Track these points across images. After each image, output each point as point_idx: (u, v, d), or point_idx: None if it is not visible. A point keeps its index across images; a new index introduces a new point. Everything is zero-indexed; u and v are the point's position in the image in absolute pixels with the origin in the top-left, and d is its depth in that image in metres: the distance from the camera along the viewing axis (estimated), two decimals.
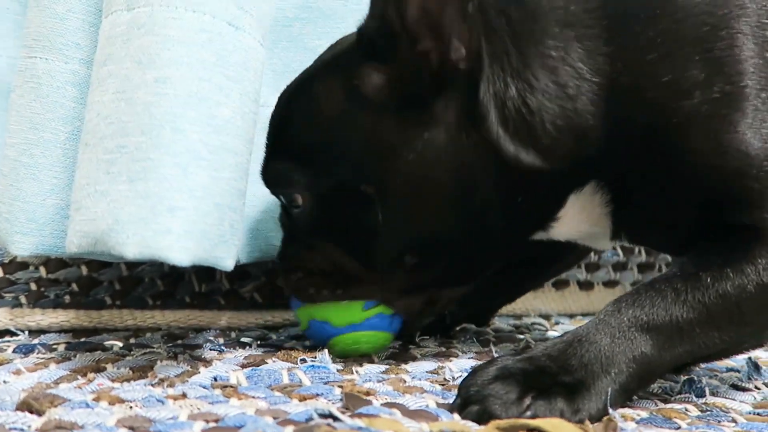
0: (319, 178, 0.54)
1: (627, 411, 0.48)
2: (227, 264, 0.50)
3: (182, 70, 0.45)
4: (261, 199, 0.74)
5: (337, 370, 0.55)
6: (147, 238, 0.43)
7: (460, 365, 0.58)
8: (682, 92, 0.48)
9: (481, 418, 0.42)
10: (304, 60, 0.77)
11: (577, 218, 0.55)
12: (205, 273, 0.79)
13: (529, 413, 0.42)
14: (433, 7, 0.47)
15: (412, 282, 0.57)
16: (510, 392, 0.43)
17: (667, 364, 0.48)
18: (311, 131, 0.55)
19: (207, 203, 0.46)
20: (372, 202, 0.52)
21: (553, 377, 0.45)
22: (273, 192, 0.60)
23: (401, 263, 0.55)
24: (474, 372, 0.46)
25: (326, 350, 0.58)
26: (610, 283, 0.94)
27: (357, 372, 0.55)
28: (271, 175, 0.58)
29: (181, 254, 0.44)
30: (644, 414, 0.48)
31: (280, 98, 0.59)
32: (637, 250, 0.96)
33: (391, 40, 0.49)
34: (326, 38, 0.77)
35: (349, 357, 0.60)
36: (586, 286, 0.94)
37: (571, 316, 0.91)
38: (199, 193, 0.45)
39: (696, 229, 0.51)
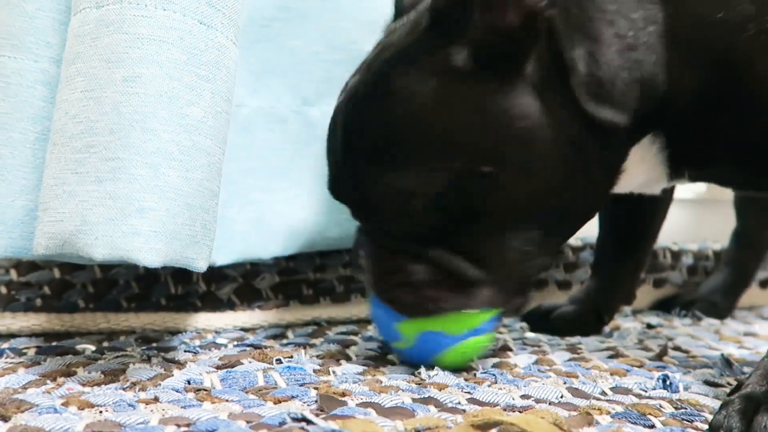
0: (433, 177, 0.50)
1: (603, 405, 0.48)
2: (199, 265, 0.49)
3: (152, 68, 0.44)
4: (238, 199, 0.73)
5: (314, 371, 0.55)
6: (116, 240, 0.43)
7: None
8: (737, 26, 0.50)
9: None
10: (282, 60, 0.77)
11: (638, 169, 0.56)
12: (181, 275, 0.78)
13: None
14: None
15: (524, 268, 0.54)
16: None
17: None
18: (416, 128, 0.50)
19: (178, 204, 0.45)
20: (491, 185, 0.50)
21: None
22: (369, 216, 0.55)
23: (515, 252, 0.52)
24: (723, 406, 0.44)
25: (302, 351, 0.57)
26: None
27: (334, 373, 0.55)
28: (364, 198, 0.54)
29: (150, 255, 0.44)
30: (619, 408, 0.48)
31: (345, 114, 0.54)
32: None
33: (464, 8, 0.49)
34: (304, 38, 0.77)
35: (458, 367, 0.56)
36: (564, 285, 0.94)
37: None
38: (170, 194, 0.45)
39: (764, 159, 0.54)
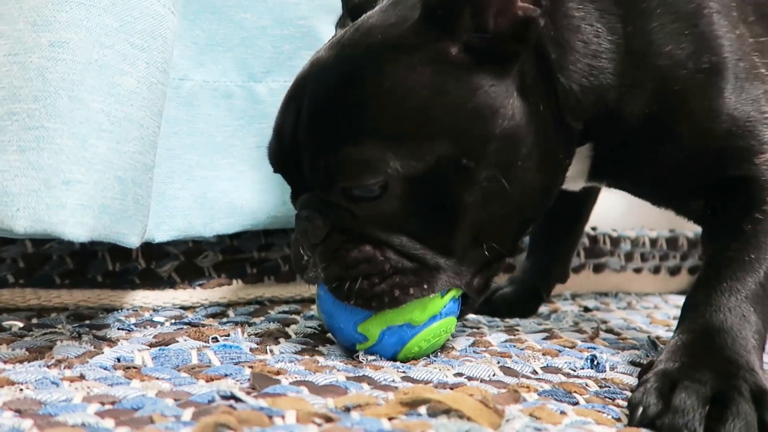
0: (416, 159, 0.49)
1: (532, 383, 0.50)
2: (131, 241, 0.48)
3: (81, 34, 0.42)
4: (180, 175, 0.71)
5: (251, 350, 0.54)
6: (39, 212, 0.41)
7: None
8: (680, 62, 0.54)
9: (676, 430, 0.41)
10: (229, 33, 0.75)
11: (574, 168, 0.60)
12: (119, 251, 0.76)
13: (723, 427, 0.40)
14: None
15: (484, 257, 0.54)
16: (694, 404, 0.42)
17: (766, 326, 0.51)
18: (399, 109, 0.50)
19: (108, 177, 0.44)
20: (468, 176, 0.50)
21: (732, 378, 0.44)
22: (345, 185, 0.51)
23: (479, 238, 0.53)
24: (640, 385, 0.45)
25: (239, 330, 0.57)
26: None
27: (271, 352, 0.55)
28: (345, 165, 0.50)
29: (77, 229, 0.42)
30: (547, 387, 0.49)
31: (316, 87, 0.52)
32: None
33: (455, 8, 0.49)
34: (252, 12, 0.75)
35: (421, 356, 0.55)
36: (509, 268, 0.96)
37: None
38: (98, 166, 0.43)
39: (692, 186, 0.58)
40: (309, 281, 0.54)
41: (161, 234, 0.69)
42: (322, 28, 0.78)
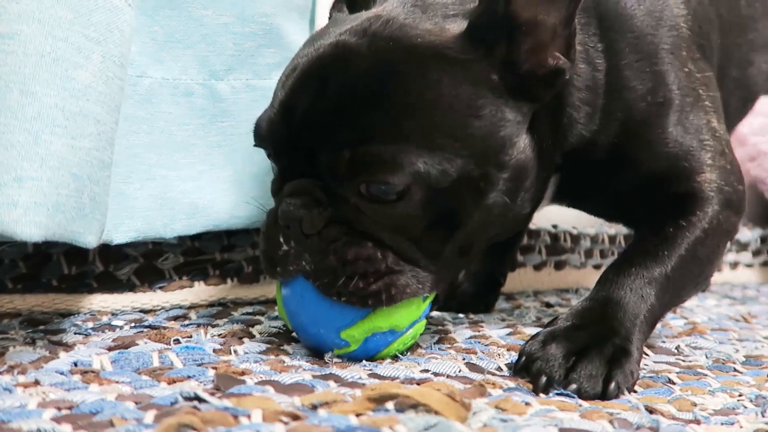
0: (442, 172, 0.50)
1: (497, 379, 0.50)
2: (88, 240, 0.46)
3: (33, 26, 0.41)
4: (139, 175, 0.70)
5: (214, 351, 0.53)
6: None
7: None
8: (642, 95, 0.61)
9: (538, 375, 0.49)
10: (189, 30, 0.73)
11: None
12: (75, 254, 0.73)
13: (574, 375, 0.49)
14: (541, 12, 0.51)
15: (462, 265, 0.58)
16: (560, 354, 0.50)
17: (664, 311, 0.60)
18: (439, 118, 0.50)
19: (62, 174, 0.42)
20: (479, 197, 0.53)
21: (606, 339, 0.52)
22: (368, 180, 0.49)
23: (465, 249, 0.55)
24: (532, 338, 0.54)
25: (202, 331, 0.55)
26: None
27: (235, 352, 0.54)
28: (375, 160, 0.49)
29: (30, 229, 0.41)
30: (512, 384, 0.50)
31: (354, 69, 0.50)
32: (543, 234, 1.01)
33: (495, 37, 0.52)
34: (213, 8, 0.73)
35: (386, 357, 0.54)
36: None
37: None
38: (53, 163, 0.42)
39: (640, 203, 0.64)
40: (280, 275, 0.52)
41: (120, 235, 0.67)
42: (286, 25, 0.77)
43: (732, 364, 0.60)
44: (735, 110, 0.80)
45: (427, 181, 0.49)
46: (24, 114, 0.41)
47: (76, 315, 0.67)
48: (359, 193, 0.50)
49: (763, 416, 0.45)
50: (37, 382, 0.44)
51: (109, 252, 0.74)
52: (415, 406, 0.40)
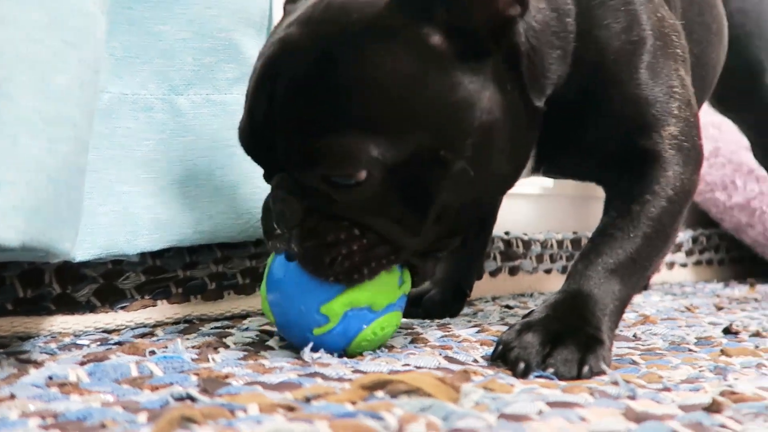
0: (396, 149, 0.49)
1: (478, 368, 0.52)
2: (65, 247, 0.45)
3: (9, 29, 0.40)
4: (100, 191, 0.68)
5: (192, 359, 0.52)
6: None
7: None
8: (615, 34, 0.60)
9: (516, 361, 0.50)
10: (147, 46, 0.73)
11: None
12: (30, 277, 0.70)
13: (551, 360, 0.50)
14: None
15: (447, 236, 0.57)
16: (536, 341, 0.51)
17: (632, 293, 0.60)
18: (383, 98, 0.49)
19: (40, 178, 0.42)
20: (445, 167, 0.51)
21: (579, 328, 0.53)
22: (324, 172, 0.51)
23: (441, 218, 0.54)
24: (509, 328, 0.55)
25: (179, 340, 0.55)
26: None
27: (213, 360, 0.53)
28: (325, 153, 0.49)
29: (8, 233, 0.39)
30: (491, 372, 0.52)
31: (295, 63, 0.50)
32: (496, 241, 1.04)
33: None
34: (172, 24, 0.74)
35: (367, 350, 0.56)
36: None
37: None
38: (31, 167, 0.41)
39: (608, 156, 0.63)
40: (276, 250, 0.55)
41: (82, 252, 0.65)
42: (244, 40, 0.78)
43: (686, 345, 0.64)
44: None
45: (383, 163, 0.49)
46: (2, 117, 0.40)
47: (37, 337, 0.64)
48: (323, 183, 0.51)
49: (725, 380, 0.49)
50: (12, 396, 0.42)
51: (66, 273, 0.72)
52: (407, 391, 0.41)
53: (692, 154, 0.63)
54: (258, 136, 0.54)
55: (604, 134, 0.62)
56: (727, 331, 0.72)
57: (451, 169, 0.52)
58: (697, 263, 1.44)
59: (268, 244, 0.55)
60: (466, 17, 0.50)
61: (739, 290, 1.22)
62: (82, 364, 0.51)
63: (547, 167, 0.68)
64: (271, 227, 0.54)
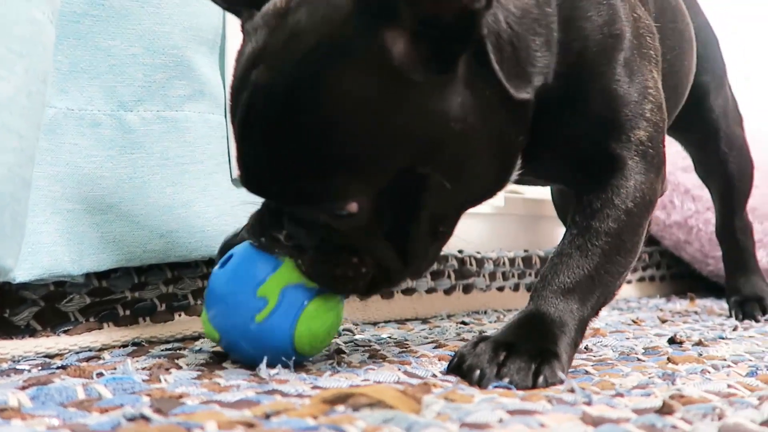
0: (377, 177, 0.49)
1: (437, 382, 0.52)
2: (7, 264, 0.43)
3: None
4: (43, 208, 0.65)
5: (142, 380, 0.50)
6: None
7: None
8: (598, 26, 0.60)
9: (471, 370, 0.51)
10: (95, 61, 0.71)
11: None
12: None
13: (505, 369, 0.50)
14: None
15: (441, 241, 0.56)
16: (489, 351, 0.52)
17: (593, 311, 0.60)
18: (354, 132, 0.48)
19: None
20: (427, 181, 0.50)
21: (532, 342, 0.54)
22: (307, 209, 0.52)
23: (436, 229, 0.54)
24: (467, 344, 0.55)
25: (129, 362, 0.52)
26: (407, 291, 1.01)
27: (165, 380, 0.51)
28: (312, 196, 0.50)
29: None
30: (450, 385, 0.52)
31: (266, 109, 0.49)
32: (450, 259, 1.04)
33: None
34: (121, 38, 0.72)
35: (317, 339, 0.56)
36: (386, 294, 0.99)
37: (375, 323, 0.95)
38: None
39: (577, 157, 0.62)
40: (263, 247, 0.55)
41: (23, 273, 0.62)
42: (196, 58, 0.77)
43: (635, 355, 0.66)
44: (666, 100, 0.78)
45: (368, 192, 0.50)
46: None
47: None
48: (320, 215, 0.52)
49: (673, 384, 0.51)
50: None
51: (2, 296, 0.68)
52: (369, 404, 0.41)
53: (655, 162, 0.62)
54: (252, 181, 0.54)
55: (578, 132, 0.61)
56: (672, 341, 0.74)
57: (433, 182, 0.51)
58: (641, 279, 1.49)
59: (260, 241, 0.55)
60: (431, 16, 0.47)
61: (680, 304, 1.27)
62: (24, 388, 0.48)
63: (530, 167, 0.63)
64: (263, 233, 0.55)
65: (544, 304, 0.57)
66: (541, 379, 0.51)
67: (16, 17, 0.42)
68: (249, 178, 0.54)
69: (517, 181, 0.69)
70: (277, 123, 0.49)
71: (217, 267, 0.58)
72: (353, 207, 0.50)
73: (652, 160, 0.62)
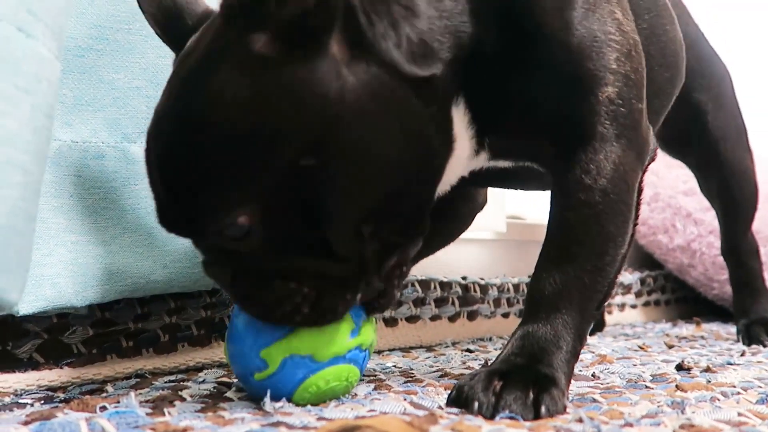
0: (257, 179, 0.46)
1: (443, 413, 0.51)
2: (12, 297, 0.43)
3: None
4: (47, 240, 0.65)
5: (146, 414, 0.50)
6: None
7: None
8: None
9: (469, 402, 0.50)
10: (98, 94, 0.72)
11: (460, 142, 0.55)
12: None
13: (502, 401, 0.48)
14: None
15: (381, 251, 0.51)
16: (486, 380, 0.50)
17: (590, 316, 0.56)
18: (226, 133, 0.45)
19: None
20: (319, 175, 0.46)
21: (527, 367, 0.52)
22: (213, 233, 0.49)
23: (361, 235, 0.49)
24: (466, 376, 0.54)
25: (132, 395, 0.52)
26: (412, 318, 1.00)
27: (169, 413, 0.50)
28: (198, 217, 0.48)
29: None
30: (456, 417, 0.51)
31: (157, 139, 0.50)
32: (432, 285, 1.03)
33: None
34: (124, 72, 0.73)
35: (318, 402, 0.54)
36: (391, 322, 0.99)
37: (379, 351, 0.94)
38: None
39: (541, 127, 0.55)
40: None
41: (26, 305, 0.62)
42: None
43: (643, 382, 0.66)
44: (662, 90, 0.68)
45: (254, 199, 0.46)
46: None
47: None
48: (226, 242, 0.50)
49: (683, 413, 0.50)
50: None
51: (5, 328, 0.68)
52: None
53: (629, 123, 0.54)
54: (163, 220, 0.52)
55: (532, 93, 0.54)
56: (679, 367, 0.74)
57: (323, 177, 0.46)
58: (646, 304, 1.48)
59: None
60: (279, 7, 0.44)
61: (686, 329, 1.26)
62: (26, 423, 0.48)
63: (493, 148, 0.58)
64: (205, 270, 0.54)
65: (534, 322, 0.55)
66: (543, 409, 0.49)
67: (21, 54, 0.43)
68: (160, 218, 0.52)
69: (499, 176, 0.63)
70: (165, 154, 0.50)
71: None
72: (243, 220, 0.46)
73: (624, 122, 0.54)
